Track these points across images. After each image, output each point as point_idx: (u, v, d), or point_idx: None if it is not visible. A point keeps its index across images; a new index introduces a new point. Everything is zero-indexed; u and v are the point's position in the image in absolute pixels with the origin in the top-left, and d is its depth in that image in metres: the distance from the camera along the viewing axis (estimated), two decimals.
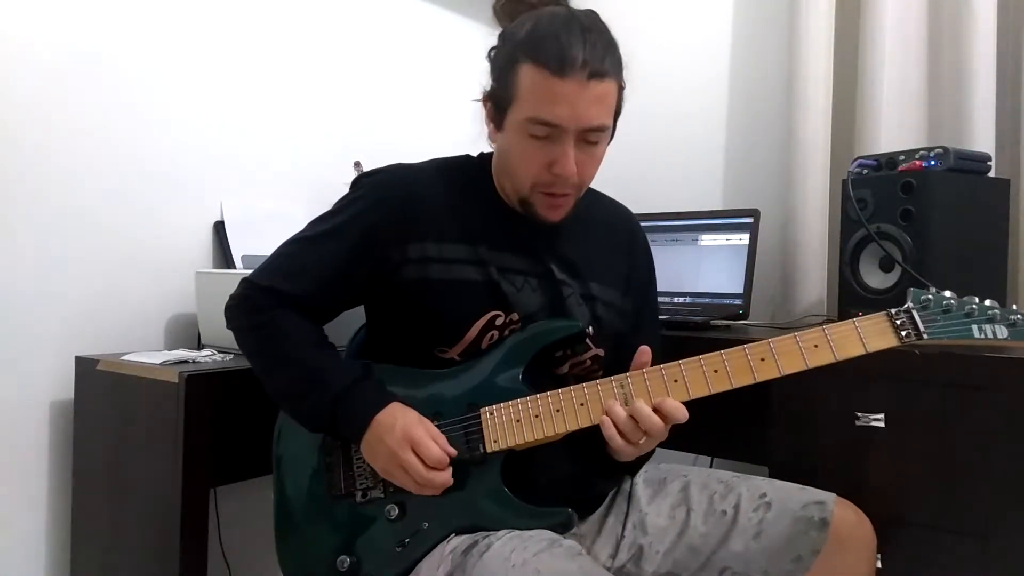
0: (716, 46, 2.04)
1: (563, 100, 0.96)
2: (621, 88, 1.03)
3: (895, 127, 1.67)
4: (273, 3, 1.80)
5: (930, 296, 0.95)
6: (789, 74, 1.80)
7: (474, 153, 1.17)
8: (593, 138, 1.01)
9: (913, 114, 1.68)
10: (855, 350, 0.95)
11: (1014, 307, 0.95)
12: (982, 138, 1.55)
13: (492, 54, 1.07)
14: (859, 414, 1.18)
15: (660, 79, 2.11)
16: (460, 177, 1.12)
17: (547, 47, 0.96)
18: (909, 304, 0.96)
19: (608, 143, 1.06)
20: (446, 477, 0.99)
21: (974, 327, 0.93)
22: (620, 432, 0.97)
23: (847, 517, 1.06)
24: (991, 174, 1.43)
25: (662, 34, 2.14)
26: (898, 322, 0.95)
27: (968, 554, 1.10)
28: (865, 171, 1.44)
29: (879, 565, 1.12)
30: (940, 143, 1.54)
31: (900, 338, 0.94)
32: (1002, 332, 0.93)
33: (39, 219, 1.44)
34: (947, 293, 0.96)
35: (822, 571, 1.03)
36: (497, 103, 1.04)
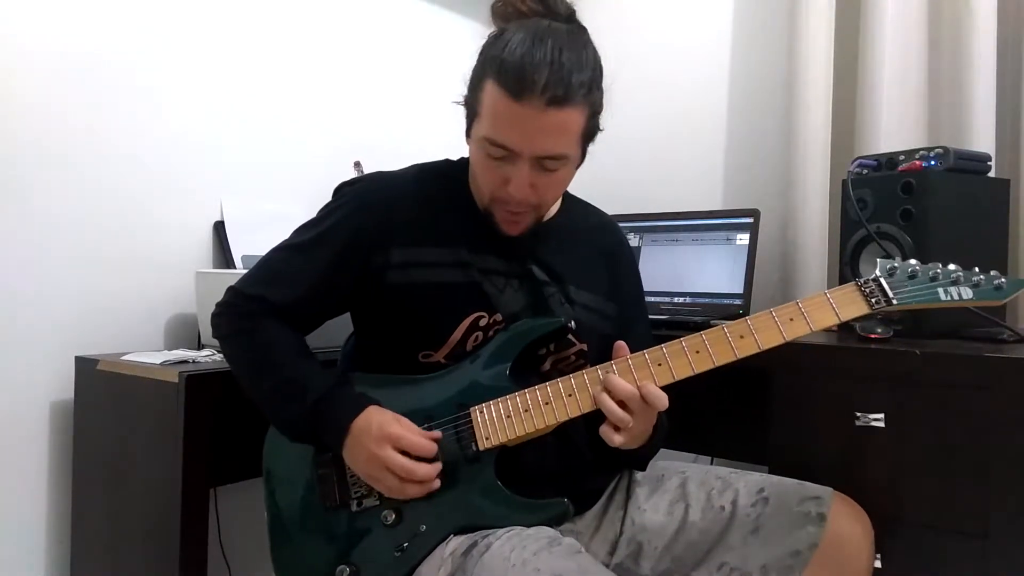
0: (716, 46, 2.04)
1: (517, 125, 0.95)
2: (595, 113, 1.00)
3: (895, 127, 1.67)
4: (273, 3, 1.80)
5: (896, 264, 0.98)
6: (789, 74, 1.80)
7: (455, 157, 1.18)
8: (550, 165, 0.99)
9: (913, 114, 1.68)
10: (829, 319, 0.97)
11: (976, 269, 0.97)
12: (982, 138, 1.55)
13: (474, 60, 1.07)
14: (859, 414, 1.18)
15: (660, 79, 2.11)
16: (440, 181, 1.13)
17: (510, 67, 0.94)
18: (876, 273, 0.99)
19: (578, 166, 1.05)
20: (431, 469, 0.99)
21: (940, 290, 0.96)
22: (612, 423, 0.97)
23: (845, 512, 1.07)
24: (991, 174, 1.43)
25: (662, 34, 2.14)
26: (867, 290, 0.98)
27: (968, 554, 1.10)
28: (865, 171, 1.44)
29: (878, 564, 1.12)
30: (940, 143, 1.54)
31: (870, 305, 0.97)
32: (967, 293, 0.96)
33: (39, 219, 1.44)
34: (912, 260, 0.99)
35: (820, 566, 1.03)
36: (467, 113, 1.04)
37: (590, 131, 1.02)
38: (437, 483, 1.00)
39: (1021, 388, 1.06)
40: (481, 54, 1.02)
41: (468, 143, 1.07)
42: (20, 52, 1.41)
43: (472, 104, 1.02)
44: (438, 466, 1.00)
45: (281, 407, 1.06)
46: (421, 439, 0.99)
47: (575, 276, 1.13)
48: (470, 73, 1.04)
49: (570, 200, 1.20)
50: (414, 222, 1.08)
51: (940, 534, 1.12)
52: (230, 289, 1.12)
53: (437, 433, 1.01)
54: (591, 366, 1.03)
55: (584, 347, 1.11)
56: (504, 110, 0.95)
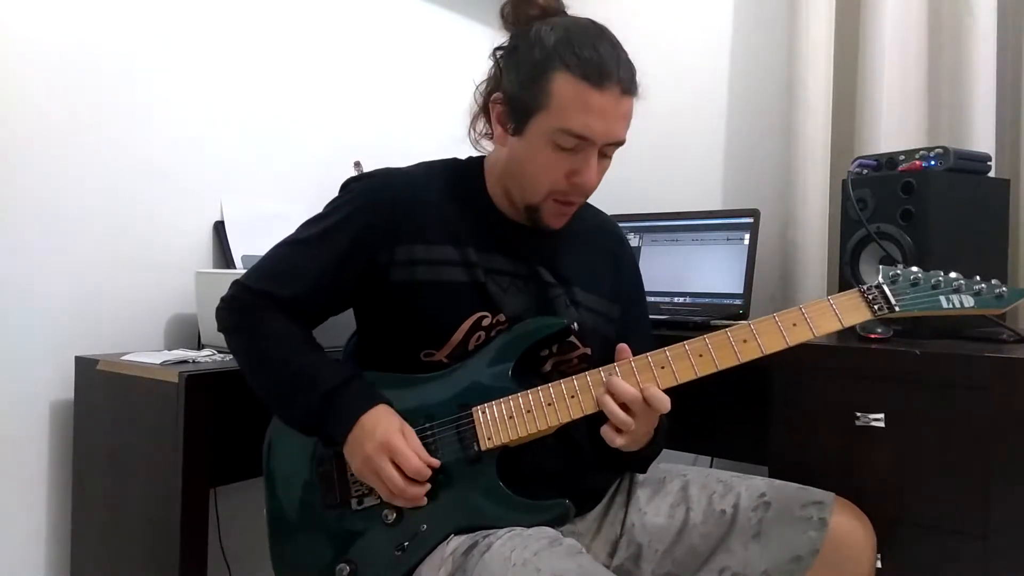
0: (716, 46, 2.04)
1: (599, 114, 0.97)
2: None
3: (895, 127, 1.67)
4: (273, 3, 1.80)
5: (899, 271, 0.99)
6: (789, 74, 1.80)
7: (461, 156, 1.17)
8: (611, 152, 1.03)
9: (913, 114, 1.68)
10: (832, 325, 0.98)
11: (977, 278, 0.98)
12: (982, 138, 1.55)
13: (508, 56, 1.05)
14: (859, 414, 1.18)
15: (660, 79, 2.09)
16: (448, 180, 1.12)
17: (587, 58, 0.96)
18: (880, 280, 1.00)
19: None
20: (419, 491, 0.98)
21: (941, 298, 0.98)
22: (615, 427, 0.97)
23: (846, 517, 1.07)
24: (991, 174, 1.43)
25: (662, 34, 2.14)
26: (870, 297, 0.98)
27: (968, 554, 1.10)
28: (865, 171, 1.44)
29: (879, 565, 1.12)
30: (940, 143, 1.54)
31: (873, 311, 0.98)
32: (968, 301, 0.98)
33: (39, 219, 1.44)
34: (914, 268, 1.00)
35: (822, 571, 1.03)
36: (519, 109, 1.02)
37: None
38: (424, 501, 1.00)
39: (1021, 388, 1.06)
40: (533, 49, 1.00)
41: (504, 141, 1.06)
42: (20, 52, 1.40)
43: (531, 99, 0.99)
44: (426, 487, 0.99)
45: (289, 398, 1.05)
46: (417, 462, 0.97)
47: (581, 278, 1.13)
48: (515, 69, 1.02)
49: None
50: (420, 220, 1.08)
51: (940, 534, 1.12)
52: (235, 283, 1.11)
53: (436, 461, 1.00)
54: (594, 368, 1.03)
55: (587, 351, 1.11)
56: (586, 99, 0.97)
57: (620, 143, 1.03)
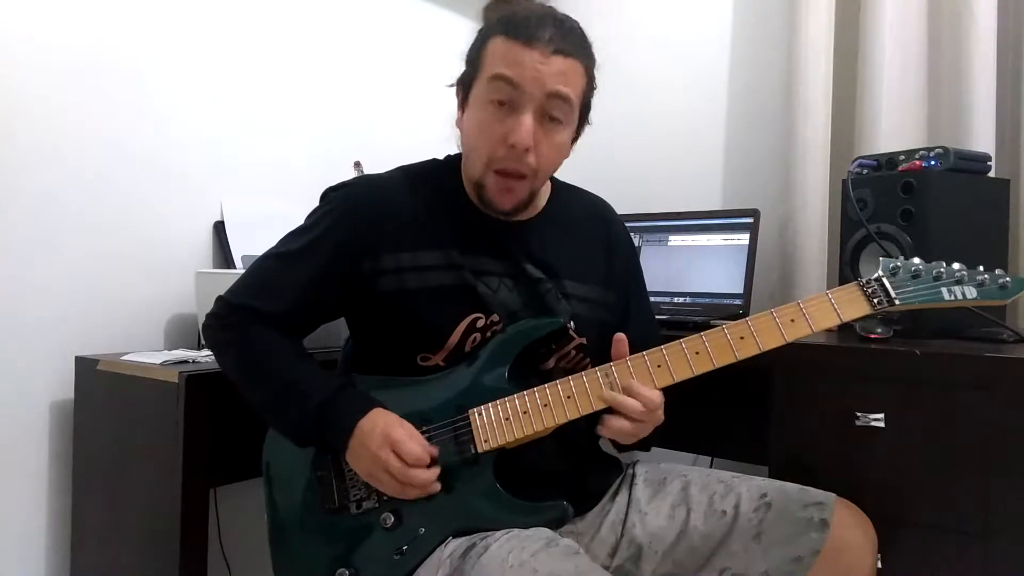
0: (715, 45, 2.04)
1: (526, 63, 0.99)
2: (590, 77, 1.04)
3: (895, 127, 1.67)
4: (273, 4, 1.80)
5: (899, 264, 0.97)
6: (789, 74, 1.79)
7: (441, 156, 1.17)
8: (555, 112, 1.01)
9: (913, 114, 1.68)
10: (830, 320, 0.97)
11: (980, 268, 0.96)
12: (982, 138, 1.54)
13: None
14: (859, 414, 1.18)
15: (660, 79, 2.11)
16: (428, 183, 1.12)
17: (518, 23, 1.00)
18: (879, 272, 0.98)
19: (572, 134, 1.06)
20: (428, 475, 0.99)
21: (943, 290, 0.95)
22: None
23: (847, 518, 1.06)
24: (991, 174, 1.43)
25: (662, 33, 2.14)
26: (869, 290, 0.97)
27: (968, 554, 1.10)
28: (865, 171, 1.44)
29: (879, 565, 1.12)
30: (940, 143, 1.54)
31: (872, 305, 0.96)
32: (971, 293, 0.95)
33: (39, 219, 1.44)
34: (916, 260, 0.98)
35: (822, 572, 1.03)
36: (464, 83, 1.06)
37: (587, 100, 1.05)
38: (437, 486, 1.00)
39: (1021, 388, 1.06)
40: (478, 32, 1.06)
41: (462, 121, 1.08)
42: (22, 51, 1.41)
43: (471, 68, 1.05)
44: (436, 471, 1.00)
45: (285, 410, 1.05)
46: (417, 448, 0.99)
47: (570, 269, 1.13)
48: (468, 52, 1.07)
49: (559, 187, 1.19)
50: (403, 226, 1.07)
51: (940, 534, 1.12)
52: (219, 299, 1.11)
53: (434, 449, 1.01)
54: (592, 357, 1.03)
55: (583, 341, 1.11)
56: (513, 54, 0.99)
57: (561, 97, 1.00)
